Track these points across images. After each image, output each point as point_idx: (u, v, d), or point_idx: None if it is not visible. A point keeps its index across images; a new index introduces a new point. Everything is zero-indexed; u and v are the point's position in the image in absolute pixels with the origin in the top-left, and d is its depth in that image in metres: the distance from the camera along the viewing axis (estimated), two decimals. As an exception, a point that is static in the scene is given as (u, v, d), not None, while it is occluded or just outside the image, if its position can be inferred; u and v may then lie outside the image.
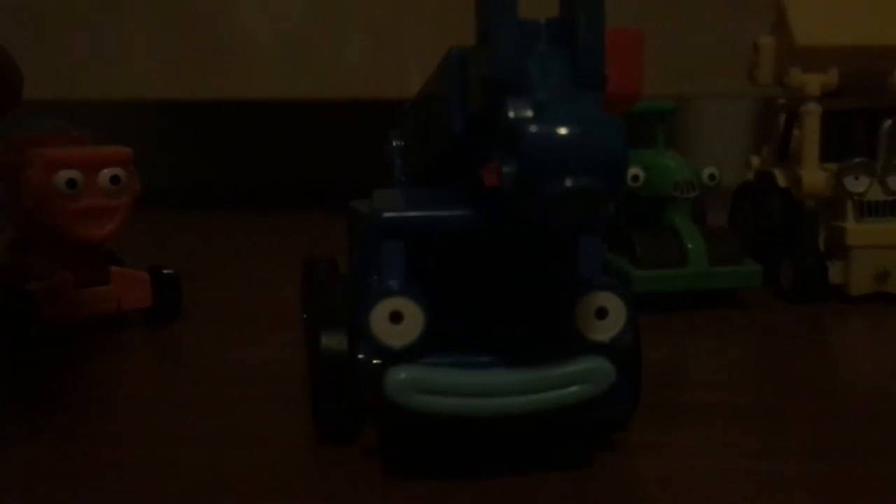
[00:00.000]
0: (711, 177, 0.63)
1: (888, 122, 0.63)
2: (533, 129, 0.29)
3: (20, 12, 1.00)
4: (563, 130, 0.29)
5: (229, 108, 1.12)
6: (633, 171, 0.63)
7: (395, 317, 0.33)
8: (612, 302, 0.34)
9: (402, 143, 0.44)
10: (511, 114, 0.30)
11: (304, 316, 0.50)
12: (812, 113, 0.65)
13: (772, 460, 0.37)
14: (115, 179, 0.53)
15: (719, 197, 0.69)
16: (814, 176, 0.64)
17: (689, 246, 0.60)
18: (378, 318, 0.33)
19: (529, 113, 0.30)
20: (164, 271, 0.58)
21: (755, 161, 0.73)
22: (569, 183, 0.29)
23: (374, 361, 0.35)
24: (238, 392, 0.46)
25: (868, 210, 0.62)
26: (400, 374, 0.33)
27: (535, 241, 0.36)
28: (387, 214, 0.34)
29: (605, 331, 0.34)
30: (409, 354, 0.33)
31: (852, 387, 0.48)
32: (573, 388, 0.33)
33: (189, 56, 1.00)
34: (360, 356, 0.36)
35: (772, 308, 0.62)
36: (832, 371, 0.51)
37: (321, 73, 1.00)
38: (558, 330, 0.34)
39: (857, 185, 0.62)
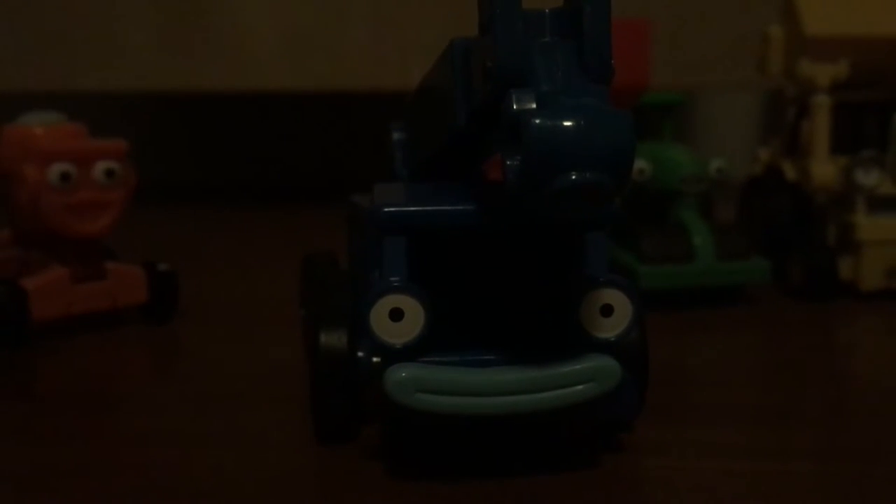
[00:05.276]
0: (719, 170, 0.63)
1: (900, 115, 0.62)
2: (537, 121, 0.28)
3: (15, 3, 0.99)
4: (568, 123, 0.28)
5: (227, 101, 1.11)
6: (640, 164, 0.62)
7: (396, 314, 0.32)
8: (617, 299, 0.33)
9: (404, 136, 0.44)
10: (515, 106, 0.29)
11: (303, 313, 0.50)
12: (822, 105, 0.64)
13: (780, 460, 0.36)
14: (109, 173, 0.52)
15: (727, 191, 0.68)
16: (823, 169, 0.63)
17: (697, 241, 0.60)
18: (378, 315, 0.32)
19: (534, 105, 0.29)
20: (161, 267, 0.57)
21: (764, 154, 0.72)
22: (574, 177, 0.28)
23: (374, 360, 0.35)
24: (236, 390, 0.45)
25: (879, 204, 0.61)
26: (400, 373, 0.32)
27: (540, 237, 0.35)
28: (388, 209, 0.33)
29: (610, 328, 0.33)
30: (409, 352, 0.33)
31: (862, 385, 0.47)
32: (578, 387, 0.33)
33: (187, 47, 1.00)
34: (360, 354, 0.36)
35: (780, 305, 0.62)
36: (842, 369, 0.51)
37: (320, 64, 0.99)
38: (563, 327, 0.34)
39: (868, 178, 0.61)
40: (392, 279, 0.33)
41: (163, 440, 0.39)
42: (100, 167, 0.52)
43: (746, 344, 0.55)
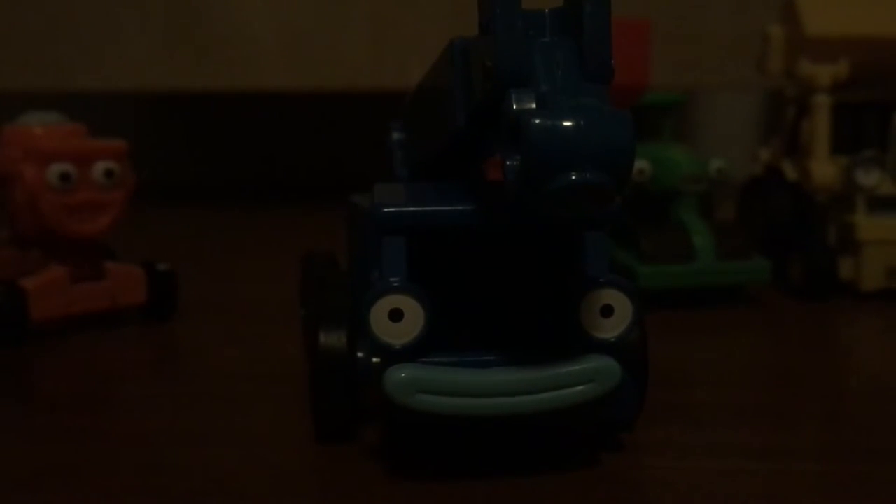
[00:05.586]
0: (719, 170, 0.63)
1: (900, 115, 0.62)
2: (537, 121, 0.28)
3: (14, 2, 0.99)
4: (567, 123, 0.28)
5: (226, 101, 1.11)
6: (640, 164, 0.62)
7: (396, 314, 0.32)
8: (617, 299, 0.33)
9: (403, 136, 0.44)
10: (514, 106, 0.29)
11: (303, 313, 0.50)
12: (822, 105, 0.64)
13: (779, 460, 0.36)
14: (109, 173, 0.52)
15: (727, 191, 0.68)
16: (824, 169, 0.63)
17: (697, 241, 0.60)
18: (378, 315, 0.32)
19: (533, 105, 0.29)
20: (161, 267, 0.57)
21: (764, 154, 0.72)
22: (574, 177, 0.28)
23: (374, 360, 0.34)
24: (236, 390, 0.45)
25: (879, 204, 0.61)
26: (400, 374, 0.32)
27: (540, 237, 0.35)
28: (388, 209, 0.33)
29: (610, 329, 0.33)
30: (409, 353, 0.32)
31: (862, 385, 0.47)
32: (578, 388, 0.33)
33: (187, 46, 1.00)
34: (360, 354, 0.36)
35: (780, 304, 0.62)
36: (841, 369, 0.50)
37: (320, 64, 0.99)
38: (563, 328, 0.34)
39: (869, 178, 0.61)
40: (392, 279, 0.32)
41: (163, 440, 0.39)
42: (99, 167, 0.52)
43: (746, 344, 0.55)
